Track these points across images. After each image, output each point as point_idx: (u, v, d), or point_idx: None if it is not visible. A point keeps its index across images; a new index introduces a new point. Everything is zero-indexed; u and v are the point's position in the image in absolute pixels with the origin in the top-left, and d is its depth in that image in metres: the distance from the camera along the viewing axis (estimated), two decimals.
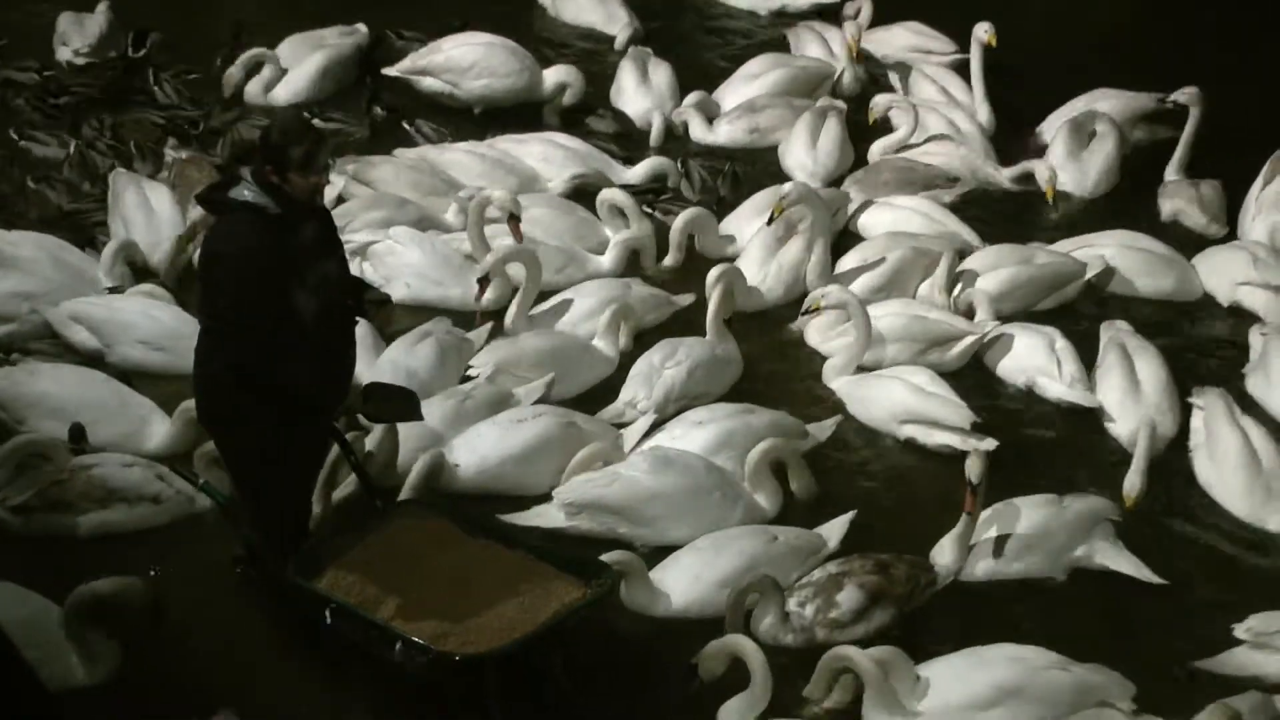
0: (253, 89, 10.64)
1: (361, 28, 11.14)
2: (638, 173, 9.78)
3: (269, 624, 6.37)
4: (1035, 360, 8.26)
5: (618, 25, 11.89)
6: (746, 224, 9.25)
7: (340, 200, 9.21)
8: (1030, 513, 6.96)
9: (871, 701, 6.02)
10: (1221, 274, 9.23)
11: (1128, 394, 7.94)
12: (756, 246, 8.94)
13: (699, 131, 10.50)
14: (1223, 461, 7.44)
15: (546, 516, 7.00)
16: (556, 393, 7.91)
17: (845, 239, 9.35)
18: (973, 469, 6.70)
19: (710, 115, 10.65)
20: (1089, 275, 9.05)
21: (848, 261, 8.93)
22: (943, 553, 6.83)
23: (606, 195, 9.20)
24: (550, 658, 6.04)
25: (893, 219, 9.43)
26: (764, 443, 7.18)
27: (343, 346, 6.23)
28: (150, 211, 8.79)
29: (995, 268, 8.86)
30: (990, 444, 7.56)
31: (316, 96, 10.69)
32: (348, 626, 5.95)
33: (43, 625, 6.05)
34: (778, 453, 7.21)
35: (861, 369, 8.18)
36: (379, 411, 6.44)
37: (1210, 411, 7.65)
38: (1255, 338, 8.66)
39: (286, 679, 6.18)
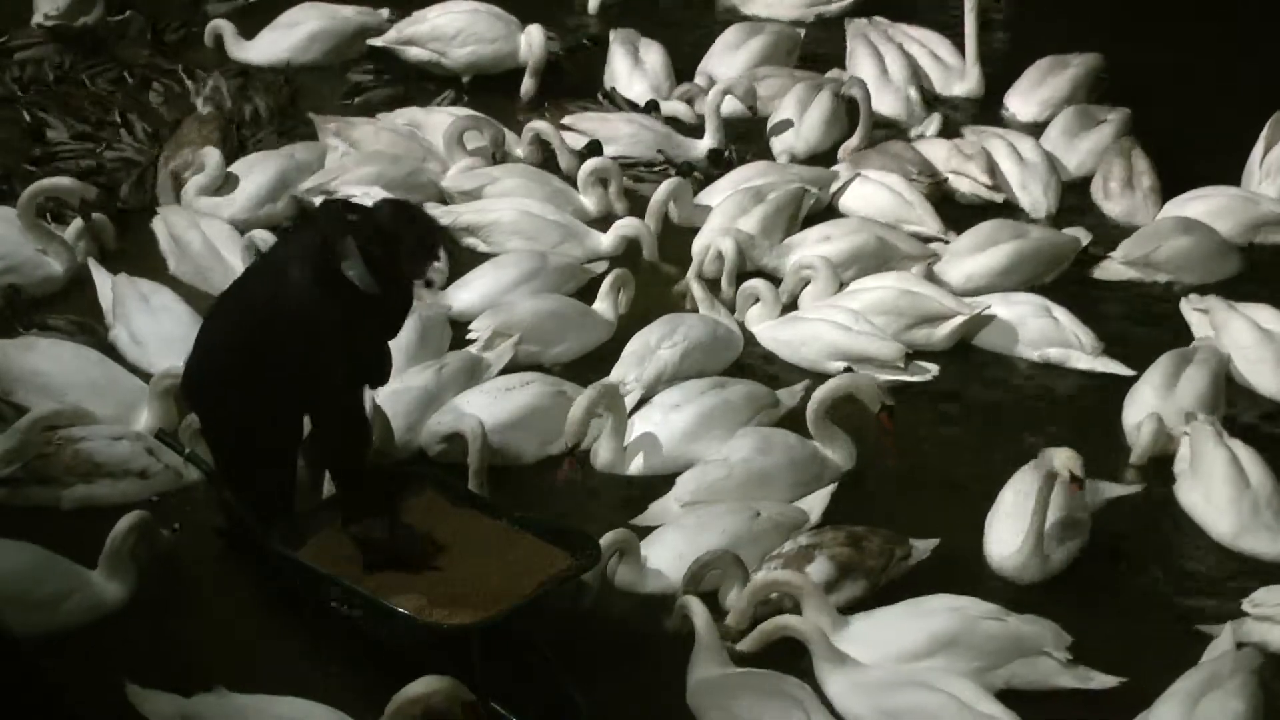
0: (231, 46, 10.74)
1: (383, 13, 11.08)
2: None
3: (254, 596, 6.41)
4: (1048, 332, 8.26)
5: None
6: (720, 196, 9.26)
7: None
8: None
9: (820, 660, 6.07)
10: (1226, 219, 9.24)
11: (1156, 391, 7.73)
12: (720, 215, 8.96)
13: (703, 107, 10.45)
14: (1208, 479, 7.17)
15: (667, 514, 6.98)
16: (554, 356, 7.96)
17: (829, 216, 9.30)
18: (1063, 462, 6.53)
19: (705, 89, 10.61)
20: (1082, 246, 9.02)
21: (810, 236, 8.90)
22: (1022, 563, 6.68)
23: (591, 165, 9.22)
24: (534, 628, 6.08)
25: (862, 192, 9.39)
26: (820, 391, 7.24)
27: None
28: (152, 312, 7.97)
29: (993, 243, 8.83)
30: (933, 370, 7.85)
31: (293, 59, 10.73)
32: (331, 596, 5.98)
33: (53, 566, 6.20)
34: (845, 390, 7.24)
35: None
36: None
37: (1197, 436, 7.33)
38: (1191, 313, 8.51)
39: (271, 651, 6.21)
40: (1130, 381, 7.93)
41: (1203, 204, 9.37)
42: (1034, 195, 9.62)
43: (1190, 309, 8.55)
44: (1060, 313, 8.34)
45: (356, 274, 5.90)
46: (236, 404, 6.08)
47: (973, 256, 8.78)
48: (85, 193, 8.40)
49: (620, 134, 9.92)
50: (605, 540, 6.39)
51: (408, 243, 5.94)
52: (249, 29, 10.92)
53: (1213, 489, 7.12)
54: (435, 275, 6.51)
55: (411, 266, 6.05)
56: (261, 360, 5.97)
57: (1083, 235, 9.14)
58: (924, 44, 11.21)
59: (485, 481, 6.94)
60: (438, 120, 9.76)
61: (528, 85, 10.50)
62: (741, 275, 8.57)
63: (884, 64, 10.77)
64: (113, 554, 6.27)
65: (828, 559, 6.52)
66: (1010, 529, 6.79)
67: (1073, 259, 8.99)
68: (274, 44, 10.80)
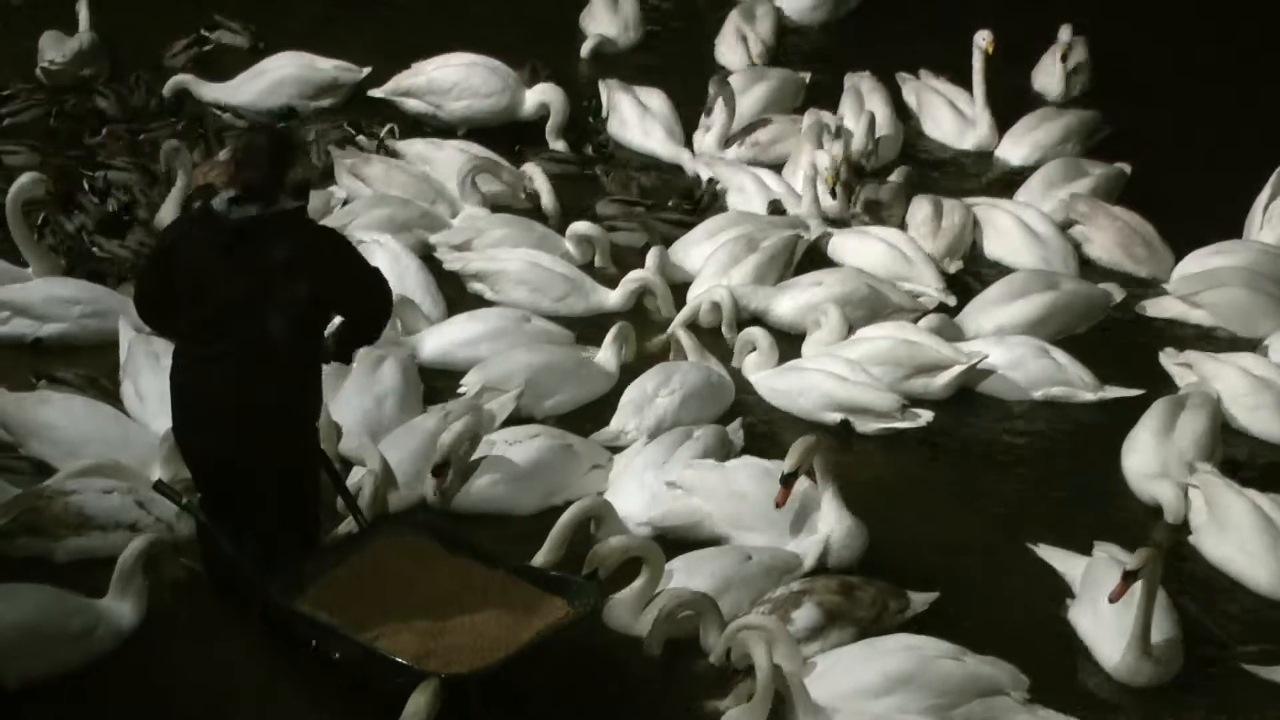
0: (203, 92, 10.87)
1: (361, 71, 11.12)
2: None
3: (247, 647, 6.36)
4: (1049, 372, 8.27)
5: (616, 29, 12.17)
6: (695, 248, 9.29)
7: (345, 200, 9.56)
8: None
9: (795, 711, 6.02)
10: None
11: (1154, 437, 7.68)
12: (714, 264, 8.99)
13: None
14: (1237, 531, 7.07)
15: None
16: (548, 409, 7.95)
17: (816, 262, 9.31)
18: (1137, 559, 6.36)
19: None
20: (1115, 301, 9.03)
21: (803, 281, 8.94)
22: (1132, 667, 6.45)
23: (576, 228, 9.24)
24: (532, 677, 6.06)
25: (857, 245, 9.35)
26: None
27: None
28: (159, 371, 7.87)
29: (1024, 294, 8.81)
30: (927, 416, 7.86)
31: (258, 103, 10.81)
32: (329, 646, 5.98)
33: (72, 601, 6.24)
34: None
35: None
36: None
37: (1209, 488, 7.27)
38: (1172, 366, 8.45)
39: (264, 702, 6.18)
40: (1124, 428, 7.89)
41: (1222, 260, 9.33)
42: (1054, 267, 9.36)
43: (1172, 363, 8.49)
44: (1058, 354, 8.34)
45: (291, 201, 6.00)
46: (238, 435, 6.10)
47: (1005, 306, 8.76)
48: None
49: (745, 186, 9.92)
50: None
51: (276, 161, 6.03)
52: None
53: (1245, 540, 7.05)
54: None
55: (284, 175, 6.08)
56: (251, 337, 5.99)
57: (1116, 292, 9.10)
58: (944, 94, 11.27)
59: (453, 462, 7.02)
60: (447, 156, 9.90)
61: (558, 145, 10.51)
62: (742, 323, 8.61)
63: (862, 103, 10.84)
64: (122, 577, 6.32)
65: (816, 605, 6.47)
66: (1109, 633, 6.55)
67: (1104, 314, 9.00)
68: (241, 88, 10.89)
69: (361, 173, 9.72)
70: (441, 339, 8.34)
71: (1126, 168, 10.37)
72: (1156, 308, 9.16)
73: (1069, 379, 8.28)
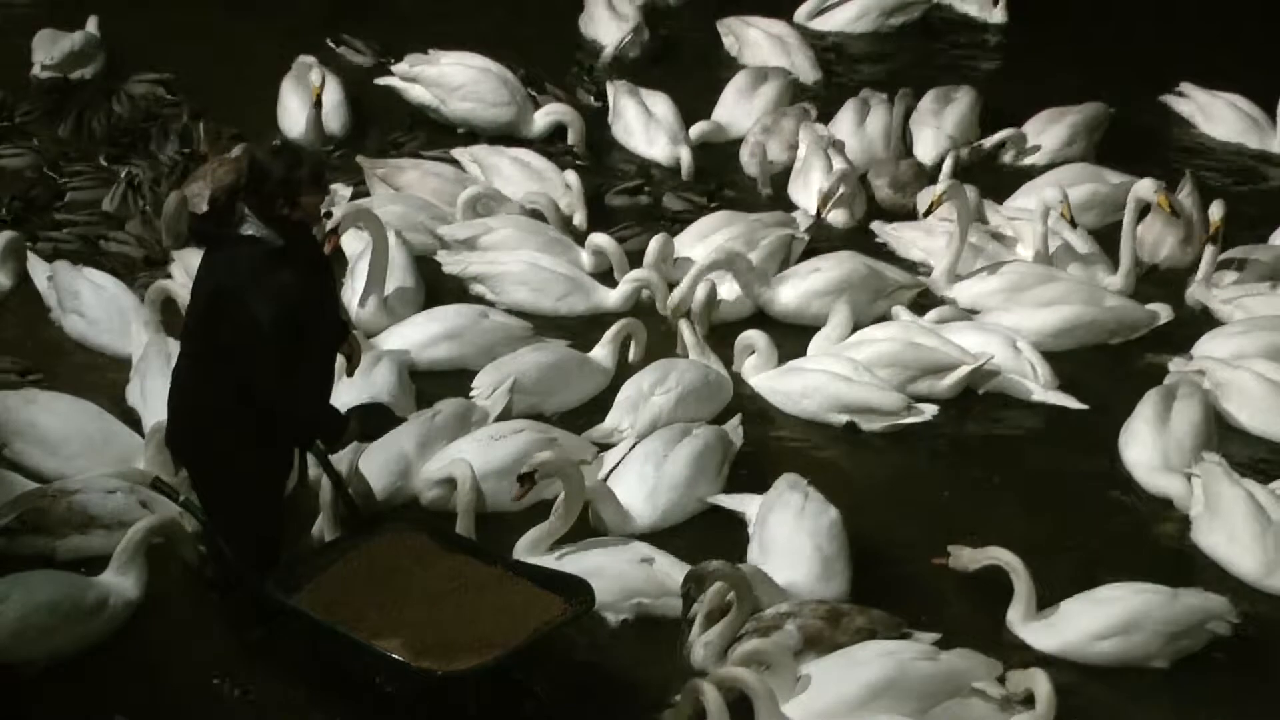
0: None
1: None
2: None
3: (245, 644, 6.41)
4: (1005, 361, 8.30)
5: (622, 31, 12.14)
6: (688, 249, 9.29)
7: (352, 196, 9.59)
8: (1133, 598, 6.68)
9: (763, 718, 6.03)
10: None
11: (1151, 428, 7.74)
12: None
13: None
14: (1228, 519, 7.14)
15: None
16: (554, 405, 8.01)
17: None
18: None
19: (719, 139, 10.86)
20: (1160, 322, 8.96)
21: (801, 269, 9.00)
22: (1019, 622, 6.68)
23: (594, 240, 9.22)
24: (529, 674, 6.12)
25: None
26: None
27: (331, 366, 6.37)
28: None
29: (1061, 302, 8.84)
30: (931, 410, 7.92)
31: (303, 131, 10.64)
32: (325, 643, 6.03)
33: (78, 581, 6.37)
34: None
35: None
36: (372, 430, 6.50)
37: (1209, 477, 7.32)
38: (1182, 366, 8.40)
39: (262, 698, 6.23)
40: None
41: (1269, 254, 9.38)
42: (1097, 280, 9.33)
43: (1182, 366, 8.43)
44: (1023, 344, 8.40)
45: (255, 229, 5.94)
46: (222, 437, 6.12)
47: (1031, 311, 8.79)
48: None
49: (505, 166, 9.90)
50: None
51: (300, 179, 5.96)
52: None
53: (1235, 529, 7.10)
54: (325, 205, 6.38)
55: (309, 197, 6.04)
56: (228, 368, 5.98)
57: (1164, 312, 9.03)
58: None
59: (472, 526, 6.96)
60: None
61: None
62: (745, 323, 8.66)
63: (864, 117, 10.90)
64: (126, 551, 6.42)
65: (796, 629, 6.41)
66: None
67: (1145, 330, 8.96)
68: (286, 116, 10.65)
69: (395, 181, 9.69)
70: (399, 340, 8.31)
71: (1146, 180, 10.27)
72: (1195, 298, 9.22)
73: (1022, 369, 8.30)
